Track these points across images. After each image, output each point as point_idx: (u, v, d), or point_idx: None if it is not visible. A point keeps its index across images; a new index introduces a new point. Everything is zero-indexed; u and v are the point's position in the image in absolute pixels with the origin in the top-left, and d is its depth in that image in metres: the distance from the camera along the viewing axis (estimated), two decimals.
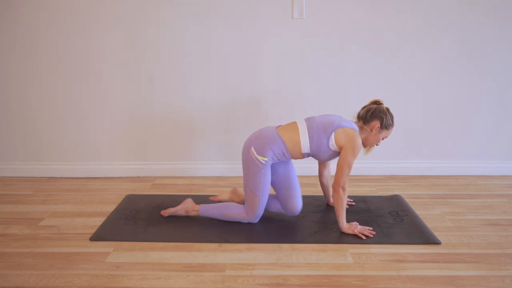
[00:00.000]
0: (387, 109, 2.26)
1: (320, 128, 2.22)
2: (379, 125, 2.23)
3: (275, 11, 3.01)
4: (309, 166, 2.90)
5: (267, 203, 2.41)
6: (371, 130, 2.25)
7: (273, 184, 2.38)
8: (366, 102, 3.10)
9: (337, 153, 2.26)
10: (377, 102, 2.29)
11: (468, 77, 3.10)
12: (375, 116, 2.24)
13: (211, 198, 2.60)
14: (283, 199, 2.37)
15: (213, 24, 3.03)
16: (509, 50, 3.05)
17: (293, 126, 2.28)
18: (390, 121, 2.25)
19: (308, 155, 2.29)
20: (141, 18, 3.03)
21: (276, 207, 2.43)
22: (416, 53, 3.06)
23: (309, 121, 2.28)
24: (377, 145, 2.33)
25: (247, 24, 3.03)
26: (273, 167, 2.34)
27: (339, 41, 3.05)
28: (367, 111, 2.26)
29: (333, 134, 2.20)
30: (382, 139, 2.30)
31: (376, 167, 3.23)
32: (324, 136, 2.21)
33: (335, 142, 2.20)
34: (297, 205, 2.36)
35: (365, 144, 2.32)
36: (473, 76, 3.09)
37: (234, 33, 3.05)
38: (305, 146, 2.24)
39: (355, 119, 2.33)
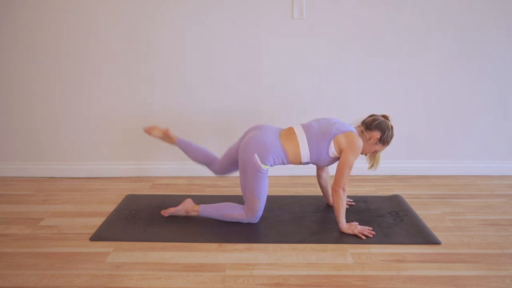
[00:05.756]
0: (392, 127, 2.26)
1: (319, 137, 2.23)
2: (379, 137, 2.24)
3: (275, 11, 3.01)
4: (309, 166, 2.89)
5: (195, 154, 2.52)
6: (369, 139, 2.25)
7: (234, 153, 2.42)
8: (365, 102, 3.13)
9: (336, 159, 2.27)
10: (385, 116, 2.30)
11: (468, 77, 3.10)
12: (379, 128, 2.24)
13: (144, 129, 2.56)
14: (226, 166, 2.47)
15: (213, 24, 3.03)
16: (509, 50, 3.05)
17: (292, 136, 2.27)
18: (390, 138, 2.27)
19: (307, 163, 2.30)
20: (141, 18, 3.03)
21: (204, 162, 2.54)
22: (416, 53, 3.06)
23: (307, 129, 2.27)
24: (365, 155, 2.33)
25: (247, 24, 3.03)
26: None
27: (339, 41, 3.05)
28: (374, 120, 2.27)
29: (332, 142, 2.21)
30: (374, 151, 2.31)
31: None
32: (323, 145, 2.22)
33: (335, 149, 2.22)
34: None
35: None
36: (473, 76, 3.09)
37: (234, 33, 3.05)
38: (305, 157, 2.26)
39: (356, 124, 2.33)
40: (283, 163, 2.29)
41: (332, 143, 2.21)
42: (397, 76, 3.10)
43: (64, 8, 3.02)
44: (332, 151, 2.22)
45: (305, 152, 2.24)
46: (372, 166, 2.37)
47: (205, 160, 2.55)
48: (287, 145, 2.25)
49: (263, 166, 2.22)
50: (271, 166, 2.27)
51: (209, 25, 3.04)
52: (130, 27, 3.05)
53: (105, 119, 3.19)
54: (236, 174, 2.48)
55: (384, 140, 2.25)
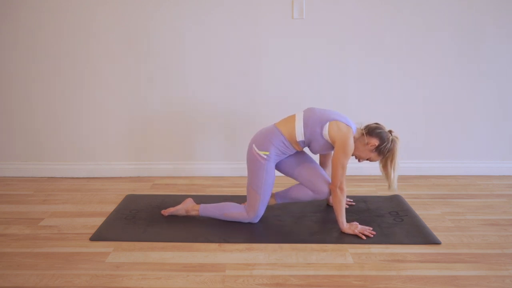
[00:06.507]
0: (393, 140, 2.23)
1: (316, 118, 2.24)
2: (376, 145, 2.22)
3: (275, 11, 3.01)
4: None
5: (297, 193, 2.38)
6: (367, 144, 2.23)
7: (292, 174, 2.38)
8: (365, 102, 3.13)
9: (330, 145, 2.25)
10: (390, 131, 2.28)
11: (468, 77, 3.10)
12: (379, 136, 2.21)
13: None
14: (310, 183, 2.31)
15: (213, 24, 3.03)
16: (509, 50, 3.05)
17: (291, 116, 2.32)
18: (386, 151, 2.22)
19: (303, 143, 2.29)
20: (141, 18, 3.03)
21: (307, 194, 2.34)
22: (416, 53, 3.06)
23: (308, 111, 2.31)
24: (359, 160, 2.31)
25: (247, 24, 3.03)
26: (286, 161, 2.36)
27: (339, 41, 3.05)
28: (377, 128, 2.24)
29: (327, 123, 2.20)
30: (368, 159, 2.29)
31: (376, 167, 3.19)
32: (319, 124, 2.22)
33: (328, 133, 2.20)
34: (326, 183, 2.29)
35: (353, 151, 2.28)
36: (473, 76, 3.09)
37: (234, 33, 3.05)
38: (299, 133, 2.25)
39: (359, 125, 2.31)
40: (285, 146, 2.27)
41: (327, 125, 2.20)
42: (397, 76, 3.10)
43: (64, 8, 3.02)
44: (325, 133, 2.21)
45: (299, 127, 2.24)
46: (389, 186, 2.28)
47: (305, 193, 2.38)
48: (283, 125, 2.28)
49: (262, 153, 2.23)
50: (275, 153, 2.26)
51: (209, 25, 3.04)
52: (130, 27, 3.05)
53: (105, 119, 3.19)
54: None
55: (381, 150, 2.22)
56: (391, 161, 2.24)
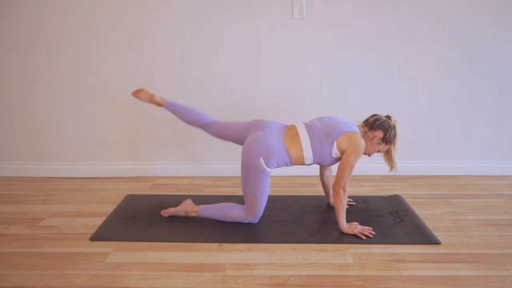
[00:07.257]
0: (394, 125, 2.26)
1: (322, 138, 2.23)
2: (382, 136, 2.24)
3: (275, 11, 3.01)
4: (309, 166, 2.90)
5: (191, 117, 2.47)
6: (373, 139, 2.25)
7: (232, 138, 2.43)
8: (365, 102, 3.13)
9: (339, 159, 2.27)
10: (388, 117, 2.30)
11: (468, 77, 3.10)
12: (381, 127, 2.24)
13: (132, 92, 2.50)
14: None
15: (213, 23, 3.03)
16: (509, 50, 3.05)
17: (295, 138, 2.26)
18: (392, 137, 2.26)
19: (310, 164, 2.31)
20: (141, 17, 3.03)
21: (199, 124, 2.48)
22: (416, 53, 3.06)
23: (310, 130, 2.26)
24: (369, 155, 2.33)
25: (247, 24, 3.03)
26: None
27: (339, 41, 3.05)
28: (376, 119, 2.27)
29: (335, 142, 2.20)
30: (378, 151, 2.31)
31: (376, 167, 3.22)
32: (326, 145, 2.22)
33: (338, 150, 2.22)
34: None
35: None
36: (473, 76, 3.09)
37: (234, 33, 3.05)
38: (309, 159, 2.27)
39: (359, 123, 2.33)
40: (287, 165, 2.30)
41: (335, 144, 2.20)
42: (397, 76, 3.10)
43: (64, 8, 3.02)
44: (335, 151, 2.22)
45: (308, 155, 2.25)
46: (392, 168, 2.34)
47: (200, 122, 2.47)
48: (291, 148, 2.25)
49: (267, 168, 2.23)
50: (275, 168, 2.27)
51: (209, 25, 3.04)
52: (130, 27, 3.05)
53: (105, 119, 3.19)
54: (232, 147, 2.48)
55: (387, 139, 2.25)
56: (394, 145, 2.30)
